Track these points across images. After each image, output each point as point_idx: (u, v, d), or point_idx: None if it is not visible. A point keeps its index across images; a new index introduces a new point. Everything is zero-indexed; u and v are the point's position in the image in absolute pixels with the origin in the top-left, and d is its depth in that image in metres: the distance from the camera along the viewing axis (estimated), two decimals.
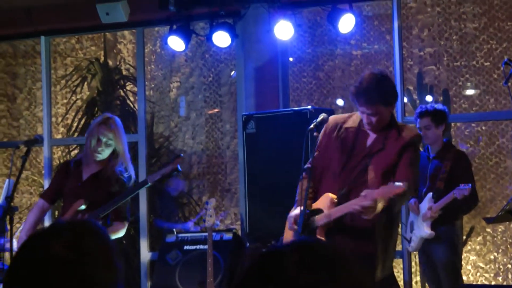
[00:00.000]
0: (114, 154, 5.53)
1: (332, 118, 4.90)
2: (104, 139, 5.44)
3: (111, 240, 1.86)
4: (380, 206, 4.29)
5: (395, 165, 4.57)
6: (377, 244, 4.60)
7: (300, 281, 1.41)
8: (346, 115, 4.93)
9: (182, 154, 5.69)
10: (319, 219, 4.59)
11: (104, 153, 5.47)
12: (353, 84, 4.70)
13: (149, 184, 5.37)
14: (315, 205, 4.68)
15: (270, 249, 1.51)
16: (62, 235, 1.78)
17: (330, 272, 1.44)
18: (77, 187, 5.49)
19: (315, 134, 4.96)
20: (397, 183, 4.24)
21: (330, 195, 4.60)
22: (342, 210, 4.48)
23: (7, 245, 5.11)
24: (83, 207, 5.37)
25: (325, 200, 4.64)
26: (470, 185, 5.97)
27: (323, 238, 4.54)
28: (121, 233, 5.52)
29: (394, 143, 4.61)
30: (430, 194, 6.23)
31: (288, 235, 4.80)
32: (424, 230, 6.24)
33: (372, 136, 4.71)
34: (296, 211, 4.70)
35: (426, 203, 6.24)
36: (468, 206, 6.31)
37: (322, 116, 5.09)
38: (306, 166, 4.79)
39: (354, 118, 4.80)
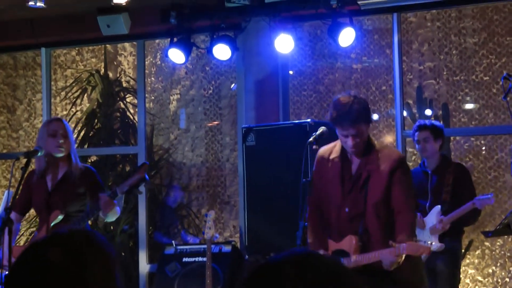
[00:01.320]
0: (69, 156, 5.51)
1: (319, 152, 4.91)
2: (60, 131, 5.46)
3: (112, 251, 1.86)
4: (402, 258, 4.41)
5: (388, 194, 4.61)
6: (407, 280, 4.69)
7: None
8: (330, 145, 4.92)
9: (147, 162, 5.54)
10: (348, 264, 4.64)
11: (65, 146, 5.46)
12: (330, 111, 4.70)
13: (119, 195, 5.28)
14: (340, 246, 4.73)
15: (268, 261, 1.51)
16: (62, 243, 1.78)
17: (326, 286, 1.44)
18: (47, 197, 5.48)
19: (314, 147, 4.99)
20: (424, 243, 4.42)
21: (353, 237, 4.64)
22: (370, 258, 4.56)
23: (5, 257, 5.10)
24: (60, 217, 5.37)
25: (349, 243, 4.68)
26: (492, 194, 6.05)
27: None
28: (115, 209, 5.39)
29: (377, 170, 4.64)
30: (438, 207, 6.23)
31: None
32: (433, 243, 6.25)
33: (355, 163, 4.74)
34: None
35: (435, 216, 6.24)
36: (474, 218, 6.34)
37: (321, 129, 5.12)
38: (310, 200, 4.89)
39: (336, 148, 4.82)
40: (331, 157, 4.80)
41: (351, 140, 4.62)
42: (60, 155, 5.49)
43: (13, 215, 5.62)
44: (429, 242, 4.39)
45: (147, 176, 5.24)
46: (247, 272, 1.56)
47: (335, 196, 4.73)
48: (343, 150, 4.77)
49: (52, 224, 5.35)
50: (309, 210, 4.91)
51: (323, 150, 4.91)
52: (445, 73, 8.23)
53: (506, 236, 7.62)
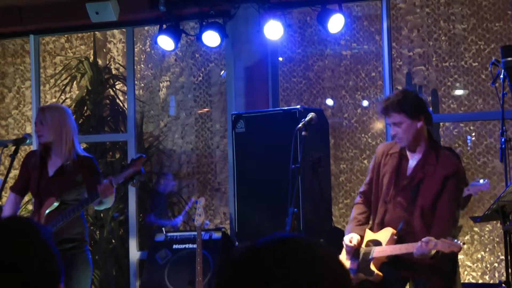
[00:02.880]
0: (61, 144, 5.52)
1: (381, 146, 5.13)
2: (38, 120, 5.49)
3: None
4: (432, 253, 4.52)
5: (437, 198, 4.71)
6: (437, 275, 4.79)
7: (277, 276, 1.42)
8: (393, 142, 5.05)
9: (144, 155, 5.54)
10: (377, 252, 4.80)
11: (43, 133, 5.46)
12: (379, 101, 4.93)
13: (114, 186, 5.27)
14: (376, 236, 4.85)
15: (247, 246, 1.52)
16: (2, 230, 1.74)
17: (303, 270, 1.44)
18: (45, 182, 5.49)
19: (303, 133, 5.03)
20: (457, 241, 4.46)
21: (391, 230, 4.77)
22: (400, 249, 4.69)
23: None
24: (55, 204, 5.37)
25: (386, 234, 4.82)
26: (487, 180, 6.08)
27: (376, 270, 4.79)
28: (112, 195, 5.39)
29: (433, 174, 4.74)
30: None
31: (343, 258, 4.97)
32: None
33: (411, 162, 4.83)
34: (350, 238, 4.89)
35: None
36: (464, 204, 6.37)
37: (310, 115, 5.15)
38: (361, 190, 5.12)
39: (397, 144, 4.95)
40: (391, 152, 4.92)
41: (393, 130, 4.80)
42: (43, 141, 5.49)
43: (12, 197, 5.65)
44: (460, 242, 4.46)
45: (142, 169, 5.25)
46: (228, 258, 1.55)
47: (386, 191, 4.81)
48: (403, 147, 4.86)
49: (47, 211, 5.35)
50: (358, 200, 5.11)
51: (385, 144, 5.11)
52: (434, 59, 8.24)
53: (495, 222, 7.65)
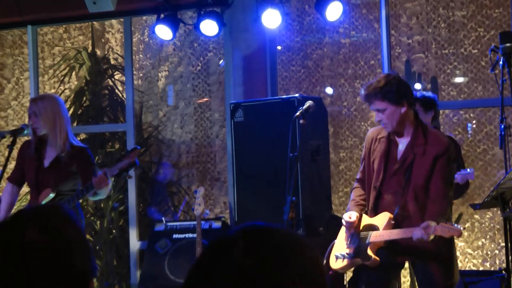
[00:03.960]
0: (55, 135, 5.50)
1: (370, 131, 5.10)
2: (32, 112, 5.49)
3: (82, 225, 1.81)
4: (431, 238, 4.50)
5: (429, 178, 4.69)
6: (436, 258, 4.80)
7: (246, 267, 1.41)
8: (380, 126, 5.04)
9: (138, 147, 5.52)
10: (374, 237, 4.79)
11: (38, 125, 5.45)
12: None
13: (108, 178, 5.25)
14: (373, 221, 4.85)
15: (221, 236, 1.51)
16: (35, 220, 1.72)
17: (276, 258, 1.43)
18: (41, 174, 5.48)
19: (301, 121, 5.02)
20: (457, 226, 4.46)
21: (388, 214, 4.77)
22: (398, 234, 4.69)
23: None
24: (51, 195, 5.37)
25: (383, 219, 4.81)
26: (472, 169, 6.07)
27: (373, 255, 4.78)
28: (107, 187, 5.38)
29: (423, 154, 4.72)
30: None
31: (340, 241, 4.95)
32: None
33: (401, 146, 4.81)
34: (349, 215, 4.88)
35: None
36: (461, 191, 6.37)
37: (308, 103, 5.14)
38: (357, 177, 5.12)
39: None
40: (379, 136, 4.91)
41: (376, 115, 4.79)
42: (39, 133, 5.48)
43: (9, 187, 5.66)
44: (459, 226, 4.44)
45: (137, 161, 5.24)
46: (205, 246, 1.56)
47: (377, 176, 4.81)
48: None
49: (43, 202, 5.35)
50: (354, 185, 5.12)
51: (373, 130, 5.07)
52: (433, 46, 8.21)
53: (495, 209, 7.64)
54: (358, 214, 4.91)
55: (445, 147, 4.73)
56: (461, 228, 4.48)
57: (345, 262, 4.88)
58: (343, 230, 5.04)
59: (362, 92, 4.83)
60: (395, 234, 4.69)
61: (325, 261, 4.92)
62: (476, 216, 8.02)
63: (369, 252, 4.77)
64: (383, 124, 4.78)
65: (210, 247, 1.50)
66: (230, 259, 1.42)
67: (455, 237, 4.58)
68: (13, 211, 5.93)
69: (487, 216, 7.97)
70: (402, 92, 4.77)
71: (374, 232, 4.78)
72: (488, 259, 8.01)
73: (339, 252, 4.93)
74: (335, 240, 5.07)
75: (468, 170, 6.13)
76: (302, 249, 1.47)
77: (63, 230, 1.73)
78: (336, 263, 4.93)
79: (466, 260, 8.05)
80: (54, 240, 1.70)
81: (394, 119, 4.73)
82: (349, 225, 4.88)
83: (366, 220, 4.90)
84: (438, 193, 4.66)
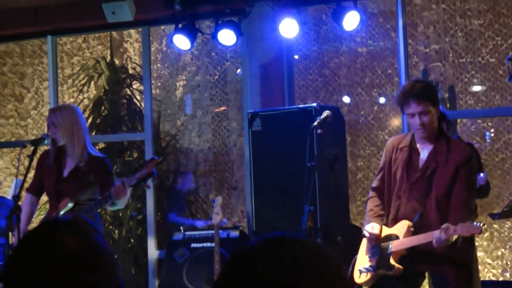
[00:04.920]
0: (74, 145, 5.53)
1: (390, 140, 5.04)
2: (51, 122, 5.51)
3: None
4: (452, 239, 4.47)
5: (451, 187, 4.67)
6: (455, 264, 4.77)
7: (266, 276, 1.42)
8: (401, 135, 5.04)
9: (156, 157, 5.53)
10: (395, 246, 4.77)
11: (57, 136, 5.49)
12: (396, 93, 4.83)
13: (126, 188, 5.27)
14: (392, 231, 4.84)
15: (242, 247, 1.52)
16: (75, 229, 1.75)
17: (298, 269, 1.44)
18: (60, 184, 5.51)
19: (319, 131, 5.02)
20: (476, 223, 4.41)
21: (407, 222, 4.75)
22: (418, 240, 4.67)
23: (15, 244, 5.14)
24: (70, 205, 5.40)
25: (402, 227, 4.80)
26: (485, 173, 6.03)
27: (396, 263, 4.77)
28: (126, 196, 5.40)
29: (446, 163, 4.69)
30: None
31: (362, 255, 4.94)
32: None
33: (423, 155, 4.78)
34: (372, 227, 4.87)
35: None
36: (487, 191, 6.34)
37: (326, 113, 5.15)
38: (374, 185, 5.09)
39: (406, 138, 4.91)
40: (400, 146, 4.86)
41: (418, 119, 4.66)
42: (60, 143, 5.52)
43: (28, 198, 5.69)
44: (479, 224, 4.40)
45: (155, 171, 5.24)
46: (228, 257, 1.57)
47: (400, 185, 4.79)
48: (412, 140, 4.83)
49: (61, 212, 5.38)
50: (371, 194, 5.08)
51: (394, 139, 5.01)
52: (451, 55, 8.20)
53: None
54: (380, 226, 4.89)
55: (467, 156, 4.70)
56: (481, 225, 4.43)
57: (369, 275, 4.86)
58: (364, 243, 5.02)
59: (402, 93, 4.70)
60: (415, 240, 4.68)
61: (349, 277, 4.91)
62: (495, 226, 7.99)
63: (392, 261, 4.76)
64: (424, 129, 4.68)
65: (233, 258, 1.51)
66: (251, 269, 1.44)
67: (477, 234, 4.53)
68: (32, 220, 5.97)
69: (506, 225, 7.94)
70: (438, 98, 4.78)
71: (395, 241, 4.77)
72: (508, 269, 7.97)
73: (362, 266, 4.92)
74: (357, 255, 5.06)
75: (481, 174, 6.10)
76: (322, 259, 1.48)
77: (99, 243, 1.76)
78: (360, 278, 4.92)
79: (486, 270, 8.02)
80: (91, 251, 1.73)
81: (435, 122, 4.70)
82: (373, 236, 4.86)
83: (385, 230, 4.89)
84: (459, 201, 4.64)
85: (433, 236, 4.51)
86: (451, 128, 6.55)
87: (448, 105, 8.04)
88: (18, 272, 1.72)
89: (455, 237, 4.47)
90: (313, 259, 1.47)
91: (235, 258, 1.50)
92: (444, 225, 4.47)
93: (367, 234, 4.90)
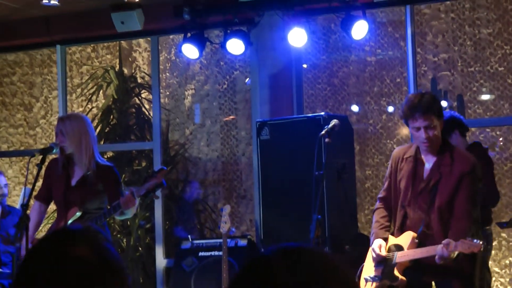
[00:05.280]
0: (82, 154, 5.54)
1: (395, 150, 5.04)
2: (59, 131, 5.52)
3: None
4: (454, 255, 4.46)
5: (454, 197, 4.67)
6: (459, 276, 4.78)
7: (287, 287, 1.42)
8: (406, 146, 5.04)
9: (165, 167, 5.53)
10: (399, 257, 4.78)
11: (65, 144, 5.50)
12: (401, 108, 4.79)
13: (136, 198, 5.28)
14: (398, 241, 4.85)
15: (259, 254, 1.52)
16: (84, 239, 1.74)
17: (317, 278, 1.45)
18: (68, 192, 5.52)
19: (326, 140, 5.03)
20: (476, 241, 4.39)
21: (412, 233, 4.76)
22: (422, 253, 4.66)
23: (23, 252, 5.15)
24: (78, 214, 5.41)
25: (407, 238, 4.79)
26: None
27: (400, 275, 4.77)
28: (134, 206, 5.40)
29: (449, 174, 4.68)
30: None
31: (369, 263, 4.93)
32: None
33: (427, 166, 4.78)
34: (378, 242, 4.86)
35: None
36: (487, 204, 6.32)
37: (333, 122, 5.15)
38: (380, 195, 5.07)
39: (412, 148, 4.90)
40: (405, 156, 4.86)
41: (424, 133, 4.65)
42: (68, 152, 5.53)
43: (36, 206, 5.70)
44: (479, 242, 4.39)
45: (164, 182, 5.24)
46: (241, 265, 1.56)
47: (404, 196, 4.79)
48: (417, 151, 4.83)
49: (70, 221, 5.39)
50: (377, 205, 5.08)
51: (399, 149, 5.01)
52: (459, 64, 8.20)
53: None
54: (385, 243, 4.89)
55: (471, 166, 4.69)
56: (481, 243, 4.42)
57: (374, 285, 4.86)
58: (370, 251, 5.02)
59: (408, 108, 4.69)
60: (419, 253, 4.67)
61: None
62: (503, 235, 7.97)
63: (396, 272, 4.76)
64: (430, 143, 4.68)
65: (248, 267, 1.50)
66: (271, 279, 1.44)
67: (478, 252, 4.53)
68: (40, 229, 5.98)
69: None
70: (442, 108, 4.78)
71: (400, 252, 4.77)
72: None
73: (368, 275, 4.92)
74: (364, 263, 5.05)
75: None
76: (337, 269, 1.49)
77: (111, 252, 1.75)
78: (366, 287, 4.92)
79: (494, 279, 7.99)
80: (103, 260, 1.72)
81: (438, 136, 4.70)
82: (377, 256, 4.87)
83: (392, 240, 4.89)
84: (462, 211, 4.63)
85: (436, 251, 4.50)
86: (466, 133, 6.49)
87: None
88: (29, 282, 1.70)
89: (457, 253, 4.46)
90: (330, 271, 1.47)
91: (251, 265, 1.50)
92: (445, 241, 4.45)
93: (373, 254, 4.91)
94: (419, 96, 4.75)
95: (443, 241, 4.45)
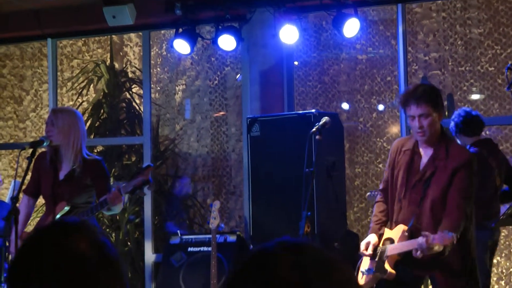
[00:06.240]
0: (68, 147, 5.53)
1: (396, 141, 5.06)
2: (49, 121, 5.52)
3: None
4: (436, 248, 4.45)
5: (446, 191, 4.68)
6: (449, 269, 4.77)
7: (292, 282, 1.43)
8: (406, 137, 5.07)
9: (152, 164, 5.54)
10: (390, 250, 4.80)
11: (51, 134, 5.48)
12: (401, 94, 4.85)
13: (122, 195, 5.22)
14: (391, 234, 4.87)
15: (262, 248, 1.51)
16: (81, 233, 1.72)
17: (320, 273, 1.45)
18: (57, 186, 5.50)
19: (317, 137, 5.04)
20: (448, 233, 4.40)
21: (403, 226, 4.77)
22: (407, 246, 4.67)
23: (12, 246, 5.14)
24: (66, 208, 5.41)
25: (398, 231, 4.81)
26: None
27: (390, 268, 4.78)
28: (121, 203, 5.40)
29: (443, 168, 4.69)
30: None
31: (366, 258, 4.95)
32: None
33: (424, 158, 4.80)
34: (367, 239, 4.90)
35: None
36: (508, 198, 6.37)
37: (324, 119, 5.16)
38: (380, 187, 5.08)
39: (410, 141, 4.91)
40: (404, 148, 4.87)
41: (417, 121, 4.67)
42: (53, 144, 5.51)
43: (25, 199, 5.68)
44: (452, 234, 4.40)
45: (151, 179, 5.24)
46: (241, 259, 1.54)
47: (401, 188, 4.80)
48: (415, 144, 4.84)
49: (58, 216, 5.38)
50: (378, 198, 5.10)
51: (399, 140, 5.03)
52: (450, 63, 8.23)
53: (510, 227, 7.62)
54: (377, 239, 4.89)
55: (465, 160, 4.70)
56: (453, 236, 4.41)
57: (368, 277, 4.89)
58: None
59: (403, 95, 4.75)
60: (405, 246, 4.68)
61: None
62: None
63: (386, 266, 4.77)
64: (421, 131, 4.69)
65: (250, 261, 1.49)
66: (275, 274, 1.44)
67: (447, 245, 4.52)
68: (29, 222, 5.97)
69: (503, 234, 7.95)
70: (442, 102, 4.79)
71: (391, 245, 4.79)
72: (503, 277, 7.99)
73: (364, 268, 4.94)
74: (363, 257, 5.07)
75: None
76: (338, 265, 1.49)
77: (108, 246, 1.74)
78: (361, 279, 4.94)
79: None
80: (102, 254, 1.71)
81: (433, 127, 4.69)
82: (364, 255, 4.89)
83: (387, 233, 4.90)
84: (453, 206, 4.63)
85: (417, 244, 4.51)
86: (477, 130, 6.50)
87: (446, 113, 8.06)
88: (26, 276, 1.67)
89: (437, 248, 4.45)
90: (332, 267, 1.48)
91: (253, 260, 1.49)
92: (425, 232, 4.47)
93: (363, 252, 4.93)
94: (417, 85, 4.83)
95: (423, 233, 4.46)
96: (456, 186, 4.64)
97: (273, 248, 1.50)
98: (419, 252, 4.49)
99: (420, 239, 4.46)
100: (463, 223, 4.63)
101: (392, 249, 4.77)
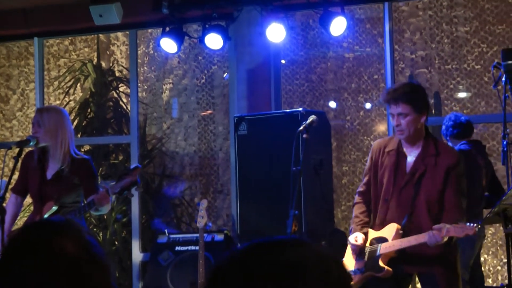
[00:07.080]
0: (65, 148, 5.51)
1: (375, 143, 5.06)
2: (35, 121, 5.49)
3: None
4: (445, 239, 4.51)
5: (443, 190, 4.71)
6: (444, 264, 4.79)
7: (266, 281, 1.40)
8: (387, 138, 5.09)
9: (140, 165, 5.54)
10: (384, 248, 4.79)
11: (38, 135, 5.46)
12: (384, 92, 4.91)
13: (110, 195, 5.23)
14: (381, 234, 4.87)
15: (216, 265, 1.48)
16: (68, 232, 1.70)
17: (296, 273, 1.42)
18: (44, 185, 5.48)
19: (304, 136, 5.04)
20: (470, 224, 4.44)
21: (396, 225, 4.77)
22: (409, 242, 4.69)
23: None
24: (54, 208, 5.39)
25: (391, 230, 4.81)
26: None
27: (385, 265, 4.78)
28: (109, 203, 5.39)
29: (435, 165, 4.73)
30: None
31: (349, 258, 4.94)
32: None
33: (410, 159, 4.82)
34: (355, 238, 4.89)
35: None
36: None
37: (311, 118, 5.17)
38: (360, 189, 5.08)
39: (393, 141, 4.93)
40: (387, 149, 4.88)
41: (396, 120, 4.72)
42: (41, 144, 5.48)
43: (13, 198, 5.66)
44: (473, 225, 4.43)
45: (139, 180, 5.23)
46: (212, 267, 1.52)
47: (386, 189, 4.81)
48: (399, 144, 4.85)
49: (45, 215, 5.36)
50: (356, 199, 5.08)
51: (380, 141, 5.03)
52: (436, 61, 8.25)
53: (497, 225, 7.65)
54: (363, 236, 4.91)
55: (456, 159, 4.75)
56: (475, 226, 4.46)
57: (357, 278, 4.89)
58: (350, 247, 5.04)
59: (385, 93, 4.80)
60: (406, 242, 4.69)
61: None
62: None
63: (381, 263, 4.78)
64: (399, 131, 4.74)
65: (225, 260, 1.47)
66: (245, 273, 1.42)
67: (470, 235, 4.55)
68: (16, 222, 5.95)
69: (490, 232, 7.98)
70: (426, 102, 4.81)
71: (384, 243, 4.79)
72: (491, 275, 8.02)
73: (349, 268, 4.94)
74: (343, 258, 5.07)
75: None
76: (324, 262, 1.46)
77: (95, 245, 1.73)
78: None
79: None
80: (88, 253, 1.70)
81: (412, 126, 4.72)
82: (355, 248, 4.89)
83: (372, 234, 4.91)
84: (453, 206, 4.68)
85: (426, 237, 4.53)
86: (467, 134, 6.59)
87: (433, 111, 8.09)
88: (11, 277, 1.66)
89: (446, 238, 4.50)
90: (313, 262, 1.45)
91: (210, 277, 1.46)
92: (436, 226, 4.50)
93: (350, 245, 4.93)
94: (401, 84, 4.88)
95: (434, 226, 4.49)
96: (453, 186, 4.70)
97: (224, 263, 1.46)
98: (430, 245, 4.52)
99: (432, 234, 4.49)
100: (463, 220, 4.68)
101: (388, 247, 4.77)
